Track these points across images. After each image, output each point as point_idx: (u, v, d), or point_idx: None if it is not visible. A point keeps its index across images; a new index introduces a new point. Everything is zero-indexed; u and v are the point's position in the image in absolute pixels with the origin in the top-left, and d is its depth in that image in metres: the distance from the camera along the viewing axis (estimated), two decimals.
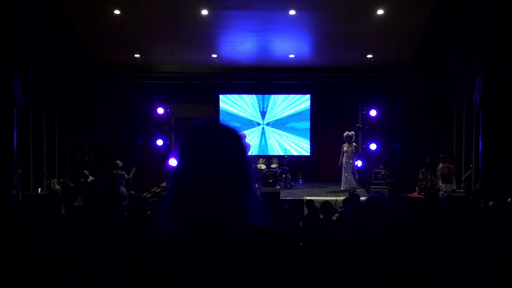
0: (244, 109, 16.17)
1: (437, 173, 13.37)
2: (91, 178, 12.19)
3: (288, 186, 13.74)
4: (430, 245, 3.30)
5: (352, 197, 8.52)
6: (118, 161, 12.38)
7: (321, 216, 6.24)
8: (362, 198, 7.10)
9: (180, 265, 1.27)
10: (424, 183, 12.74)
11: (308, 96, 15.97)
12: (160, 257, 1.29)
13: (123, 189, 12.04)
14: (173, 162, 1.39)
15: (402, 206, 3.98)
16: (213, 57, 14.24)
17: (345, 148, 12.99)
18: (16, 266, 2.90)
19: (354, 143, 13.16)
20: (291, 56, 14.19)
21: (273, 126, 16.17)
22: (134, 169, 12.58)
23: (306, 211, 9.05)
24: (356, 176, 13.10)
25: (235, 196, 1.33)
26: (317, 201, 10.92)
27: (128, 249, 1.33)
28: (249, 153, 13.90)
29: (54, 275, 2.66)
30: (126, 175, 12.21)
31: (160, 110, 14.21)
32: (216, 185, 1.32)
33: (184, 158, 1.36)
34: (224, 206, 1.32)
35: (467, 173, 11.90)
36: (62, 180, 12.60)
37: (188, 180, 1.33)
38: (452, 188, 12.09)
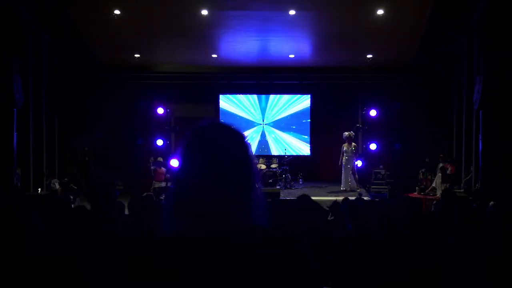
0: (244, 109, 16.18)
1: (437, 173, 13.37)
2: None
3: (288, 186, 13.74)
4: (430, 245, 3.30)
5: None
6: (157, 157, 12.93)
7: (332, 218, 6.24)
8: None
9: (182, 265, 1.27)
10: (424, 183, 12.74)
11: (308, 96, 15.98)
12: (162, 257, 1.29)
13: (163, 183, 12.69)
14: (175, 162, 1.40)
15: (401, 207, 3.98)
16: (213, 57, 14.24)
17: (345, 148, 13.01)
18: (15, 267, 2.90)
19: (354, 143, 13.18)
20: (291, 56, 14.18)
21: (273, 126, 16.18)
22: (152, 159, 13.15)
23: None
24: (356, 176, 13.11)
25: (239, 197, 1.34)
26: (317, 201, 10.93)
27: (130, 249, 1.34)
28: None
29: (53, 276, 2.66)
30: (164, 171, 12.77)
31: (160, 110, 14.22)
32: (219, 186, 1.32)
33: (188, 158, 1.37)
34: (227, 207, 1.32)
35: (468, 177, 11.88)
36: (66, 179, 12.67)
37: (192, 181, 1.33)
38: (454, 188, 12.08)
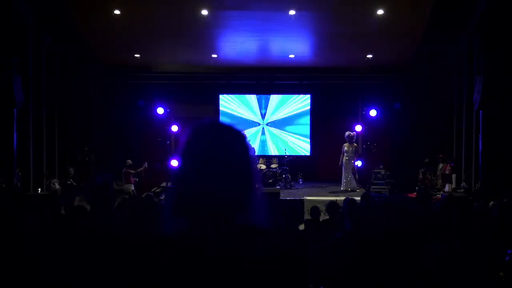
0: (244, 109, 16.18)
1: (437, 173, 13.37)
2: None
3: (288, 186, 13.73)
4: (429, 245, 3.30)
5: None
6: (128, 160, 12.92)
7: (327, 217, 6.24)
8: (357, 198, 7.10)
9: (182, 264, 1.27)
10: (424, 183, 12.73)
11: (308, 96, 15.98)
12: (162, 256, 1.29)
13: (132, 186, 12.78)
14: (175, 162, 1.40)
15: (400, 206, 3.98)
16: (213, 57, 14.24)
17: (345, 148, 13.01)
18: (15, 266, 2.90)
19: (354, 143, 13.18)
20: (291, 56, 14.18)
21: (273, 126, 16.18)
22: (145, 164, 13.23)
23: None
24: (356, 176, 13.11)
25: (238, 197, 1.34)
26: (317, 201, 10.94)
27: (130, 248, 1.33)
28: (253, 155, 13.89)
29: (53, 276, 2.66)
30: (133, 173, 12.89)
31: (160, 110, 14.20)
32: (219, 185, 1.32)
33: (188, 157, 1.36)
34: (226, 206, 1.32)
35: (462, 189, 11.86)
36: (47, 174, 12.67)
37: (191, 180, 1.33)
38: (453, 187, 12.08)
